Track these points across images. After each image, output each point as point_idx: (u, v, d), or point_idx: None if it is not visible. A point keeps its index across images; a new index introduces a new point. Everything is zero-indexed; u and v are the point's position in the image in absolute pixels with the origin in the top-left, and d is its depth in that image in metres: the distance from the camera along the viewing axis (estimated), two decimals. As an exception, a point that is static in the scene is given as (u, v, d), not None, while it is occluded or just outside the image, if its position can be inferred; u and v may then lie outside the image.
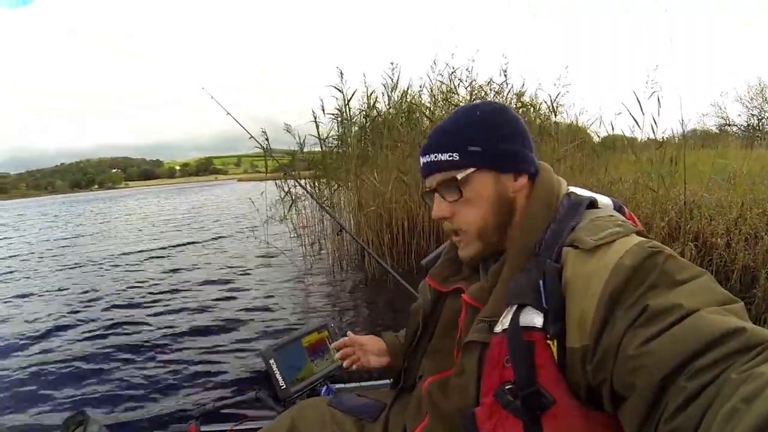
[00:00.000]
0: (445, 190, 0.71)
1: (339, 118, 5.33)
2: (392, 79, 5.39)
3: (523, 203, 0.71)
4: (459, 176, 0.69)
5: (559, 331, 0.55)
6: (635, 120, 4.11)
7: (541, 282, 0.58)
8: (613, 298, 0.51)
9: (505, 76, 5.51)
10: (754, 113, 15.11)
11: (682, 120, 3.97)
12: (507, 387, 0.57)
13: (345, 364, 1.06)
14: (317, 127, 5.24)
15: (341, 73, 5.04)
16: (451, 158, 0.70)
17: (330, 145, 5.48)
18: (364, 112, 5.46)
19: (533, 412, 0.55)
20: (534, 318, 0.57)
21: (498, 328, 0.61)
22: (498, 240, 0.71)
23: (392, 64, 5.36)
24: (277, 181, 5.37)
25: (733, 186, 4.07)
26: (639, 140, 4.44)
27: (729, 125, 14.27)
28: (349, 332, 1.12)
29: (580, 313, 0.53)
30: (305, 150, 5.50)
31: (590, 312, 0.52)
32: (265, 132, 4.71)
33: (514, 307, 0.60)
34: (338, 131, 5.45)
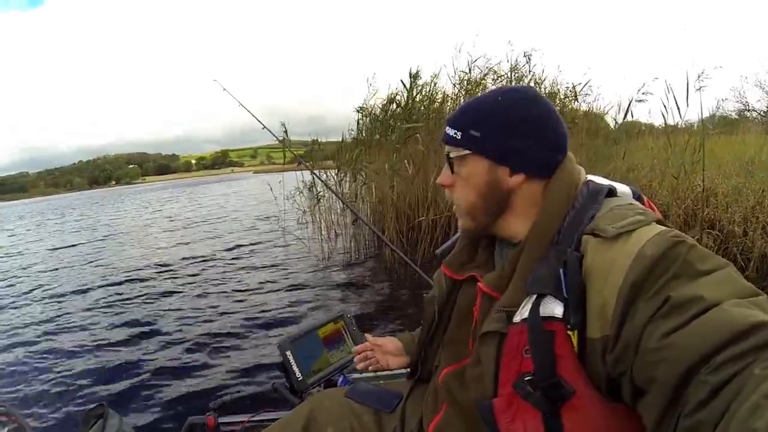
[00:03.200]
0: (449, 162, 0.74)
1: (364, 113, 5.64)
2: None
3: (523, 200, 0.69)
4: (452, 154, 0.72)
5: (580, 322, 0.54)
6: (665, 107, 4.09)
7: (561, 271, 0.57)
8: (635, 289, 0.50)
9: (528, 62, 5.49)
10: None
11: (702, 107, 3.89)
12: (526, 378, 0.57)
13: (360, 366, 1.06)
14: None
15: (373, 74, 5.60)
16: (455, 135, 0.71)
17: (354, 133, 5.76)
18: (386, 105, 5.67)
19: (553, 403, 0.55)
20: (554, 308, 0.56)
21: (517, 318, 0.60)
22: (489, 223, 0.73)
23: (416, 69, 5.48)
24: (299, 173, 5.57)
25: (751, 173, 3.98)
26: (657, 126, 4.37)
27: (748, 110, 13.82)
28: (366, 335, 1.13)
29: (601, 303, 0.52)
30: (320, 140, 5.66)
31: (611, 302, 0.51)
32: (284, 124, 5.06)
33: (534, 297, 0.59)
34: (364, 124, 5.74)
